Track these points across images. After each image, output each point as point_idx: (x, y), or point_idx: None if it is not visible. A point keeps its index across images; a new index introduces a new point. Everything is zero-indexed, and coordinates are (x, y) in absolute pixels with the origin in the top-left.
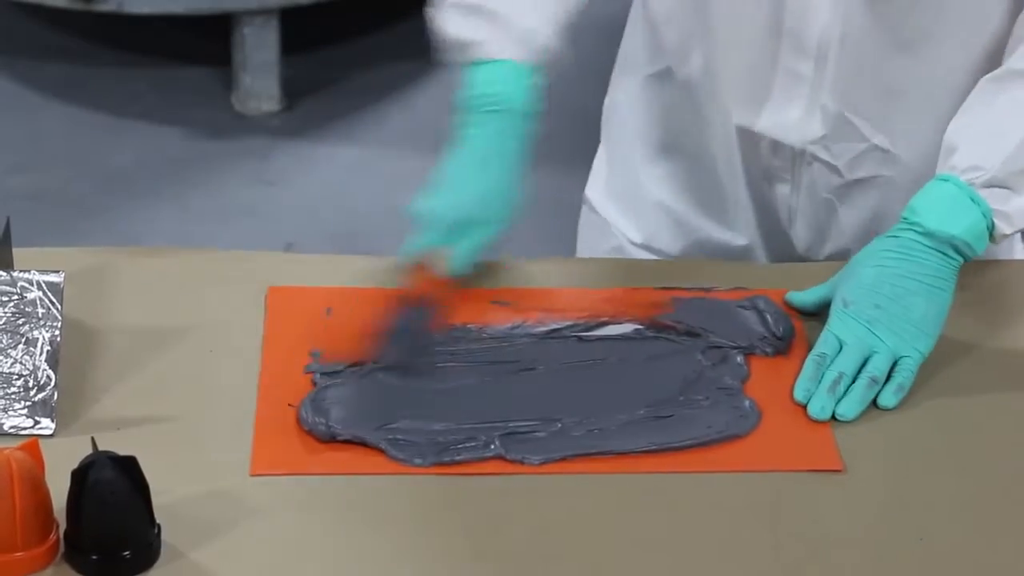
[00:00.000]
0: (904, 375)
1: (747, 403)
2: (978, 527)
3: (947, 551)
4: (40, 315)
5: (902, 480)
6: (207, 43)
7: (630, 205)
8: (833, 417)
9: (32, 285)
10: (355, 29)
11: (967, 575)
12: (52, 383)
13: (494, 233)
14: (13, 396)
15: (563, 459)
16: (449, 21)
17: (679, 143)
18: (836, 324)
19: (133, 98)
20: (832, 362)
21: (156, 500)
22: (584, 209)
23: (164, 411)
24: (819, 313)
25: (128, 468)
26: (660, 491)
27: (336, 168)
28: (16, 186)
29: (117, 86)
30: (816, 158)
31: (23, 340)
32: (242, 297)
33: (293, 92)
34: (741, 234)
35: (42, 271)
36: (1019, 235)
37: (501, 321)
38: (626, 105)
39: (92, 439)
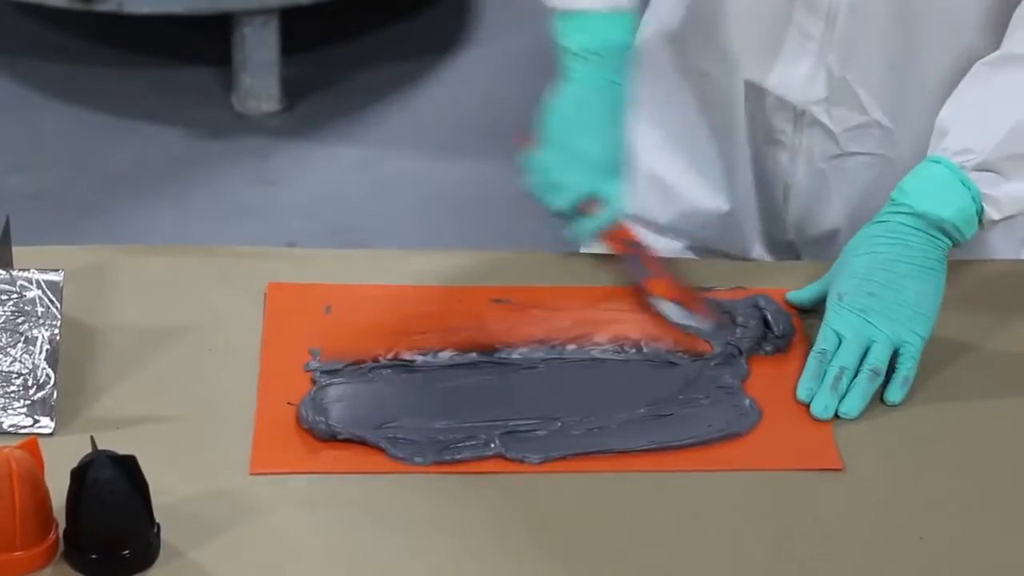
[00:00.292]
0: (907, 367)
1: (747, 402)
2: (978, 527)
3: (947, 550)
4: (40, 314)
5: (902, 479)
6: (207, 43)
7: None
8: (836, 415)
9: (32, 284)
10: (355, 29)
11: (967, 574)
12: (51, 382)
13: (618, 175)
14: (12, 395)
15: (563, 458)
16: None
17: (681, 104)
18: (833, 318)
19: (133, 98)
20: (833, 358)
21: (155, 499)
22: None
23: (163, 410)
24: (820, 309)
25: (127, 467)
26: (660, 490)
27: (336, 168)
28: (16, 186)
29: (117, 86)
30: (816, 121)
31: (23, 339)
32: (242, 295)
33: (293, 92)
34: (733, 203)
35: (42, 270)
36: (1020, 235)
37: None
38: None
39: (91, 438)
